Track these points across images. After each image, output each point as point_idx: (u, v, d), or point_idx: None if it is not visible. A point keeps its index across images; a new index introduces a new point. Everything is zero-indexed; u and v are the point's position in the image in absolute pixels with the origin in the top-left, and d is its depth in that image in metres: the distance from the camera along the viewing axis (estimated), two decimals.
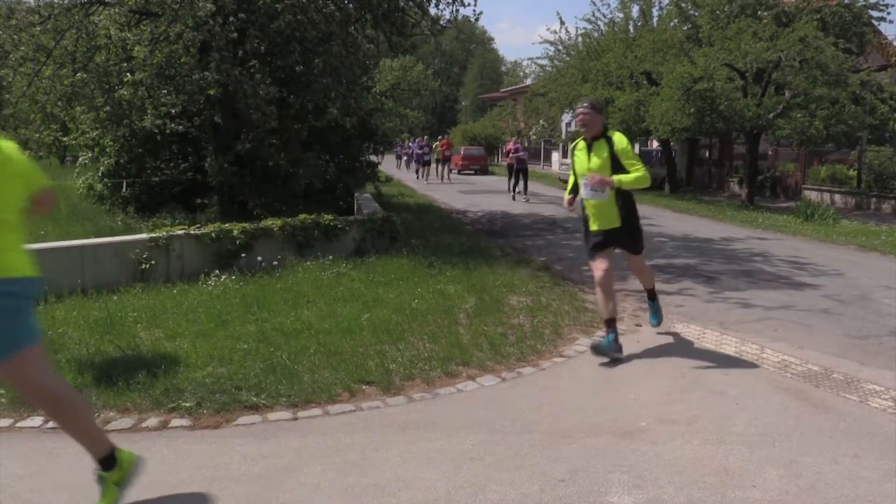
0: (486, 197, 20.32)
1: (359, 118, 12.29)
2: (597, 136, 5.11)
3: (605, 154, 5.05)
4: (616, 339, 5.14)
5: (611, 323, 5.16)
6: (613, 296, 5.26)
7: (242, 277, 7.32)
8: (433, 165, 28.74)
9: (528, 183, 20.11)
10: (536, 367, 4.98)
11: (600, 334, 5.85)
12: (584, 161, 5.19)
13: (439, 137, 33.56)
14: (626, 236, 5.26)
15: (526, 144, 33.29)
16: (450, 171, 28.29)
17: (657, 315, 5.85)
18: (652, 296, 5.83)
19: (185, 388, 4.23)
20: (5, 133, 27.17)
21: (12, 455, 3.52)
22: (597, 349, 5.13)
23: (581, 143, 5.25)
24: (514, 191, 19.27)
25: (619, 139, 5.08)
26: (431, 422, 3.98)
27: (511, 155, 19.73)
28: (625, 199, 5.17)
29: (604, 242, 5.20)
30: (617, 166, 5.02)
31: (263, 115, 9.41)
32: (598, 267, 5.17)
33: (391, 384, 4.49)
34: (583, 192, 5.20)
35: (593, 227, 5.23)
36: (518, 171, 19.24)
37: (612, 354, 5.08)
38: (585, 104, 5.12)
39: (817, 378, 4.78)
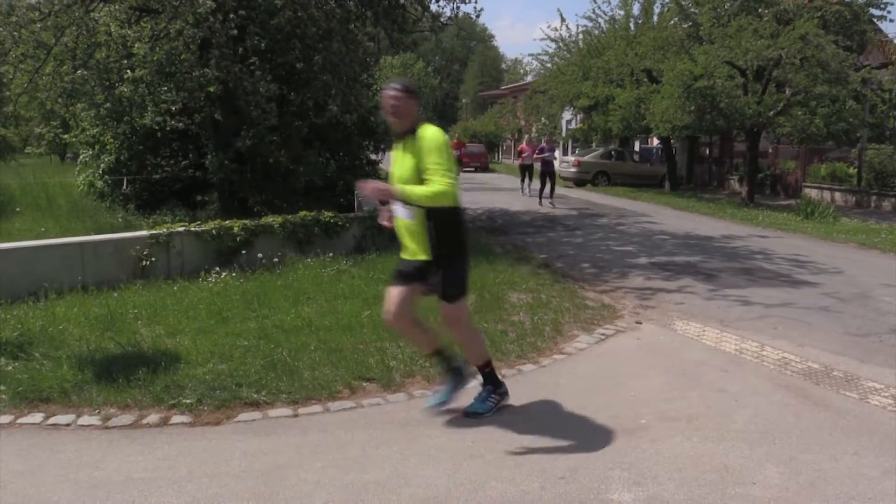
0: (486, 194, 20.32)
1: (359, 115, 12.28)
2: (410, 130, 3.73)
3: (412, 156, 3.69)
4: (456, 386, 3.99)
5: (484, 367, 4.03)
6: (418, 329, 4.01)
7: (243, 274, 7.32)
8: None
9: (534, 181, 19.40)
10: (537, 365, 4.98)
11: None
12: (397, 164, 3.82)
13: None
14: (435, 274, 3.84)
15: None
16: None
17: (483, 404, 4.03)
18: (485, 376, 4.07)
19: (186, 384, 4.23)
20: (6, 130, 27.21)
21: (13, 451, 3.52)
22: (437, 404, 3.99)
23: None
24: (540, 195, 17.47)
25: (425, 133, 3.66)
26: (432, 419, 3.98)
27: (535, 155, 18.45)
28: (440, 224, 3.69)
29: (406, 274, 3.87)
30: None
31: (263, 112, 9.40)
32: (389, 298, 3.91)
33: (392, 381, 4.50)
34: (394, 206, 3.86)
35: (402, 253, 3.94)
36: (544, 174, 17.38)
37: (450, 401, 3.98)
38: (396, 85, 3.75)
39: (817, 375, 4.78)
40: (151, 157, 13.15)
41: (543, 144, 18.43)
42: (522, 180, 20.07)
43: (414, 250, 3.81)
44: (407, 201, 3.61)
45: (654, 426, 3.88)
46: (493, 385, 4.06)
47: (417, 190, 3.54)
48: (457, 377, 4.07)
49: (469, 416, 3.96)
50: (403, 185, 3.61)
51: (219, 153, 10.67)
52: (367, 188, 3.62)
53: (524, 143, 20.95)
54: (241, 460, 3.44)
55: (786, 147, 21.25)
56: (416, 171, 3.62)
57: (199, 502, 3.05)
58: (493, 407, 4.02)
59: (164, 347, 4.92)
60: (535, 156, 18.84)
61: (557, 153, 27.59)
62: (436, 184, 3.52)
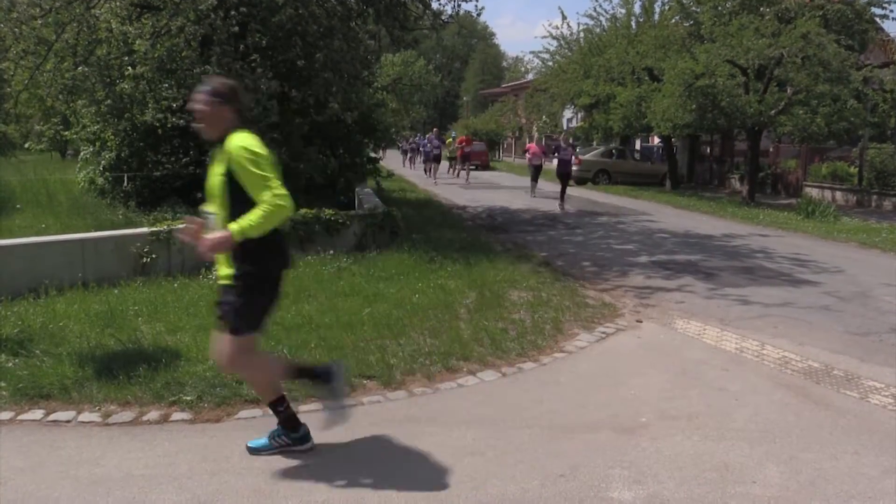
0: (487, 192, 20.31)
1: (360, 113, 12.27)
2: (220, 139, 3.25)
3: (222, 170, 3.20)
4: (287, 432, 3.46)
5: (277, 405, 3.45)
6: (266, 368, 3.45)
7: None
8: (445, 163, 26.41)
9: (539, 181, 18.81)
10: (537, 363, 4.98)
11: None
12: (209, 177, 3.34)
13: (452, 134, 31.69)
14: (228, 294, 3.29)
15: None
16: (469, 170, 25.08)
17: (267, 440, 3.50)
18: (279, 415, 3.48)
19: (186, 381, 4.23)
20: (7, 126, 27.20)
21: (13, 448, 3.52)
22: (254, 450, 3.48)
23: None
24: (561, 199, 16.02)
25: (233, 146, 3.14)
26: (432, 416, 3.98)
27: (552, 156, 17.38)
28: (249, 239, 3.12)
29: (221, 304, 3.38)
30: (240, 192, 3.16)
31: (264, 109, 9.39)
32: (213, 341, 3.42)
33: (392, 379, 4.50)
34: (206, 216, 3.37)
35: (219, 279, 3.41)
36: (561, 175, 16.12)
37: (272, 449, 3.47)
38: (205, 88, 3.27)
39: (817, 375, 4.78)
40: (152, 154, 13.10)
41: (560, 143, 17.60)
42: (533, 180, 18.92)
43: (220, 267, 3.32)
44: (249, 237, 3.08)
45: (655, 425, 3.89)
46: (288, 428, 3.47)
47: (252, 220, 3.05)
48: (326, 382, 3.53)
49: (251, 452, 3.48)
50: (217, 204, 3.23)
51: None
52: (204, 248, 3.10)
53: (533, 142, 20.20)
54: (242, 457, 3.44)
55: (787, 146, 21.23)
56: (225, 185, 3.18)
57: (199, 499, 3.05)
58: (277, 448, 3.46)
59: (165, 344, 4.92)
60: (552, 156, 17.84)
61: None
62: (266, 203, 3.06)
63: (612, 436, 3.74)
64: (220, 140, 3.24)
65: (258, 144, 3.18)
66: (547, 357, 5.11)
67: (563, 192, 16.02)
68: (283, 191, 3.11)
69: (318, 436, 3.58)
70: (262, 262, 3.28)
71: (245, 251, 3.15)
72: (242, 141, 3.15)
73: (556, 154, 16.93)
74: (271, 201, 3.07)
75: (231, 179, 3.16)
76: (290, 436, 3.47)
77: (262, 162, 3.12)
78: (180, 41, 9.51)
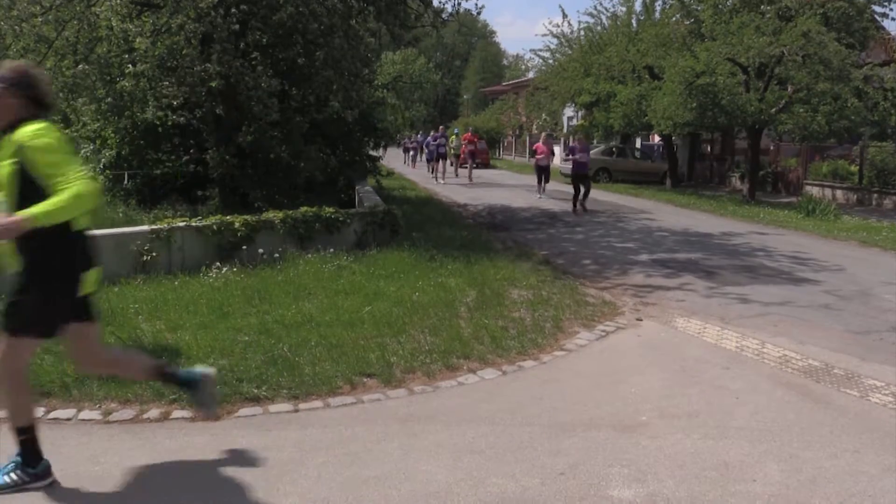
0: (487, 190, 20.29)
1: (360, 111, 12.27)
2: (7, 129, 3.00)
3: (9, 162, 2.94)
4: (27, 465, 3.07)
5: (24, 433, 3.07)
6: (24, 389, 3.08)
7: (244, 269, 7.32)
8: (449, 161, 25.21)
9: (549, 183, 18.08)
10: (537, 361, 4.99)
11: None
12: None
13: (455, 130, 30.73)
14: (14, 289, 2.99)
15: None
16: (472, 168, 23.95)
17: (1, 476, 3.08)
18: (21, 445, 3.09)
19: None
20: None
21: (13, 447, 3.52)
22: None
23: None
24: (574, 202, 14.86)
25: (28, 133, 2.91)
26: (432, 414, 3.99)
27: (567, 157, 16.44)
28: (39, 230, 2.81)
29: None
30: (31, 184, 2.90)
31: (265, 107, 9.39)
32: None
33: (392, 377, 4.50)
34: None
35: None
36: (576, 178, 15.02)
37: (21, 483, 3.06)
38: None
39: (818, 373, 4.78)
40: (152, 153, 13.12)
41: (575, 144, 16.63)
42: (539, 182, 18.07)
43: (10, 260, 3.00)
44: (43, 225, 2.78)
45: (655, 423, 3.89)
46: (26, 459, 3.09)
47: (48, 206, 2.76)
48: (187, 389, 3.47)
49: None
50: (5, 193, 2.95)
51: (220, 148, 10.66)
52: None
53: (540, 141, 19.32)
54: (242, 455, 3.44)
55: (787, 144, 21.23)
56: (14, 176, 2.92)
57: (199, 497, 3.05)
58: (12, 484, 3.05)
59: (165, 342, 4.92)
60: (567, 157, 16.87)
61: (558, 150, 27.18)
62: (65, 190, 2.80)
63: (612, 434, 3.74)
64: (10, 129, 2.98)
65: (52, 132, 2.96)
66: (547, 355, 5.11)
67: (579, 195, 14.75)
68: (84, 176, 2.86)
69: (317, 433, 3.58)
70: (50, 256, 2.97)
71: (31, 242, 2.87)
72: (34, 130, 2.92)
73: (570, 156, 15.96)
74: (71, 187, 2.81)
75: (22, 171, 2.91)
76: (28, 471, 3.08)
77: (57, 149, 2.92)
78: (181, 39, 9.50)
